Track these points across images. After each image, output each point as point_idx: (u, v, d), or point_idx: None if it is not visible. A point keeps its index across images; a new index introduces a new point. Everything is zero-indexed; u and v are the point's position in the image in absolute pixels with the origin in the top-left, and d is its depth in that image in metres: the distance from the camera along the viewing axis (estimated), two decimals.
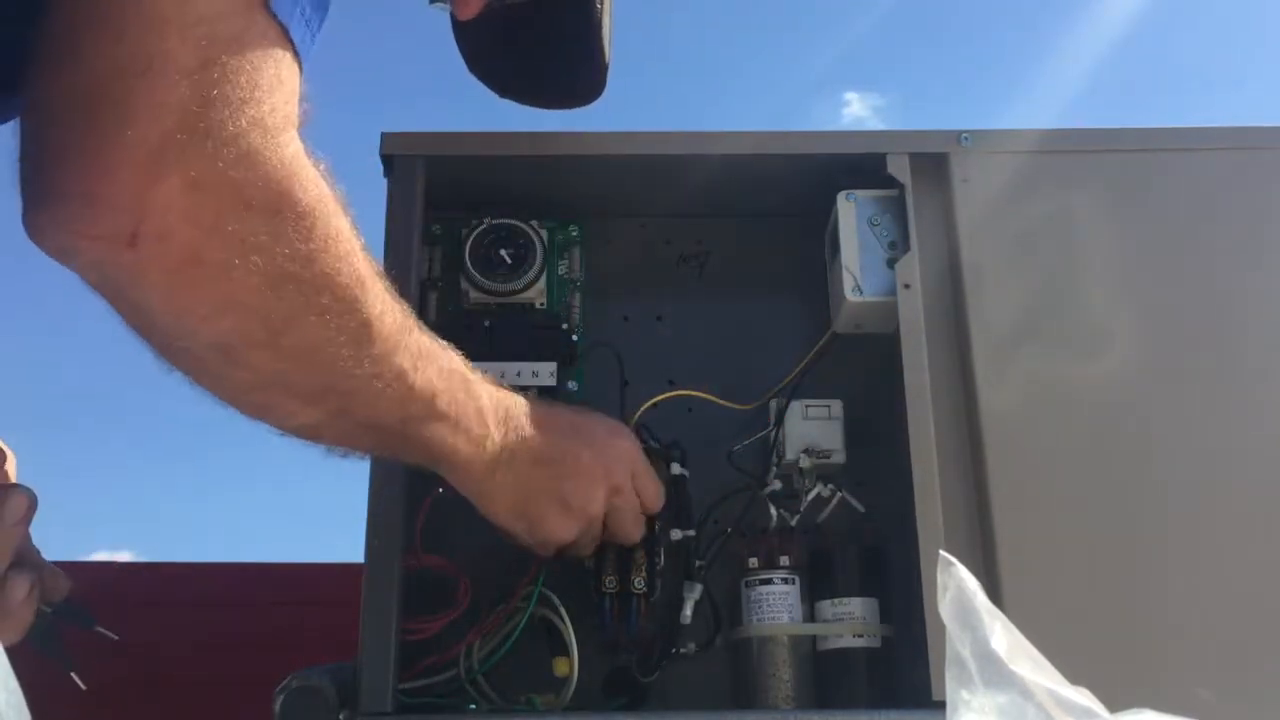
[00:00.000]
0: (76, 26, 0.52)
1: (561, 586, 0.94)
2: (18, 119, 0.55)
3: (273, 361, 0.60)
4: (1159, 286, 1.00)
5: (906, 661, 0.93)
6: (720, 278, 1.13)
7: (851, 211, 1.00)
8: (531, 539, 0.84)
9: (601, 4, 0.90)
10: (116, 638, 0.85)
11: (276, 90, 0.55)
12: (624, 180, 1.08)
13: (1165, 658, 0.89)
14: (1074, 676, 0.51)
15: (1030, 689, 0.47)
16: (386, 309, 0.64)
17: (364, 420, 0.67)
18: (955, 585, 0.50)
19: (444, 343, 0.73)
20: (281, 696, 0.80)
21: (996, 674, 0.48)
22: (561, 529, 0.83)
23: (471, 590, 0.94)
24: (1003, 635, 0.48)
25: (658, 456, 0.96)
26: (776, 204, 1.10)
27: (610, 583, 0.93)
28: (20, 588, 0.75)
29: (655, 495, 0.90)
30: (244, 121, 0.53)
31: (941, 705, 0.63)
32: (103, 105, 0.51)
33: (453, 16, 0.88)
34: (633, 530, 0.89)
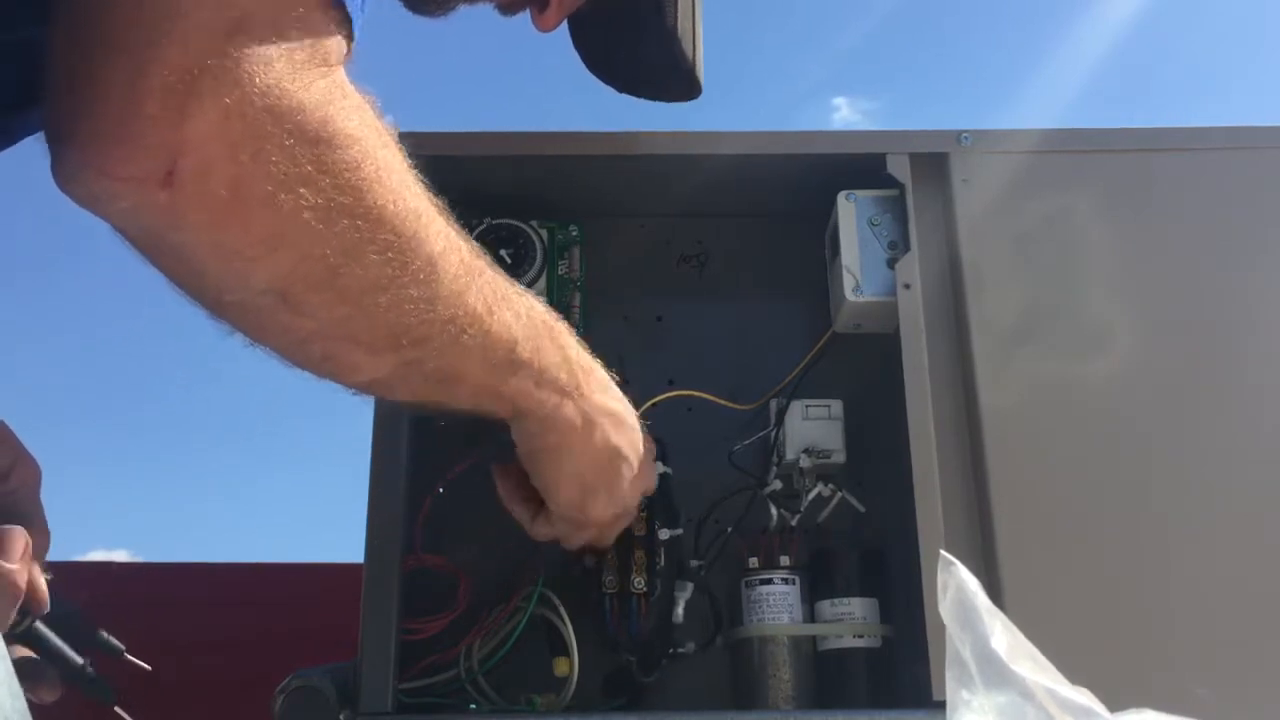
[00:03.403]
0: None
1: (561, 586, 0.94)
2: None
3: (333, 305, 0.56)
4: (1159, 286, 1.00)
5: (906, 661, 0.93)
6: (720, 278, 1.13)
7: (851, 211, 1.00)
8: (574, 514, 0.79)
9: (676, 11, 0.89)
10: (150, 668, 0.79)
11: (312, 20, 0.52)
12: (624, 180, 1.08)
13: (1165, 657, 0.89)
14: (1074, 676, 0.51)
15: (1031, 689, 0.47)
16: (451, 246, 0.60)
17: (438, 371, 0.62)
18: (955, 585, 0.50)
19: (522, 287, 0.68)
20: (281, 696, 0.80)
21: (997, 674, 0.48)
22: (606, 511, 0.79)
23: (471, 590, 0.94)
24: (1003, 635, 0.48)
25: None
26: (776, 204, 1.10)
27: (610, 583, 0.93)
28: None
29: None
30: (278, 50, 0.50)
31: (941, 705, 0.63)
32: (127, 35, 0.48)
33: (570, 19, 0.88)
34: (613, 537, 0.87)
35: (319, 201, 0.52)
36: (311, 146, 0.51)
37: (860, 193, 1.01)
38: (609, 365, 0.79)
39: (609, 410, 0.74)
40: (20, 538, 0.64)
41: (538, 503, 0.82)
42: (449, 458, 0.95)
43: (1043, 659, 0.49)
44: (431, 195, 0.59)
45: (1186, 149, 1.03)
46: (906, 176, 0.99)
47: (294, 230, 0.52)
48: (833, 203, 1.01)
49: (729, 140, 1.04)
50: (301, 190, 0.51)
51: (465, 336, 0.61)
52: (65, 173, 0.50)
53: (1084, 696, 0.49)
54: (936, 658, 0.84)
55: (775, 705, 0.95)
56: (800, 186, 1.06)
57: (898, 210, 1.00)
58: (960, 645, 0.49)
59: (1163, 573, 0.91)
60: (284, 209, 0.51)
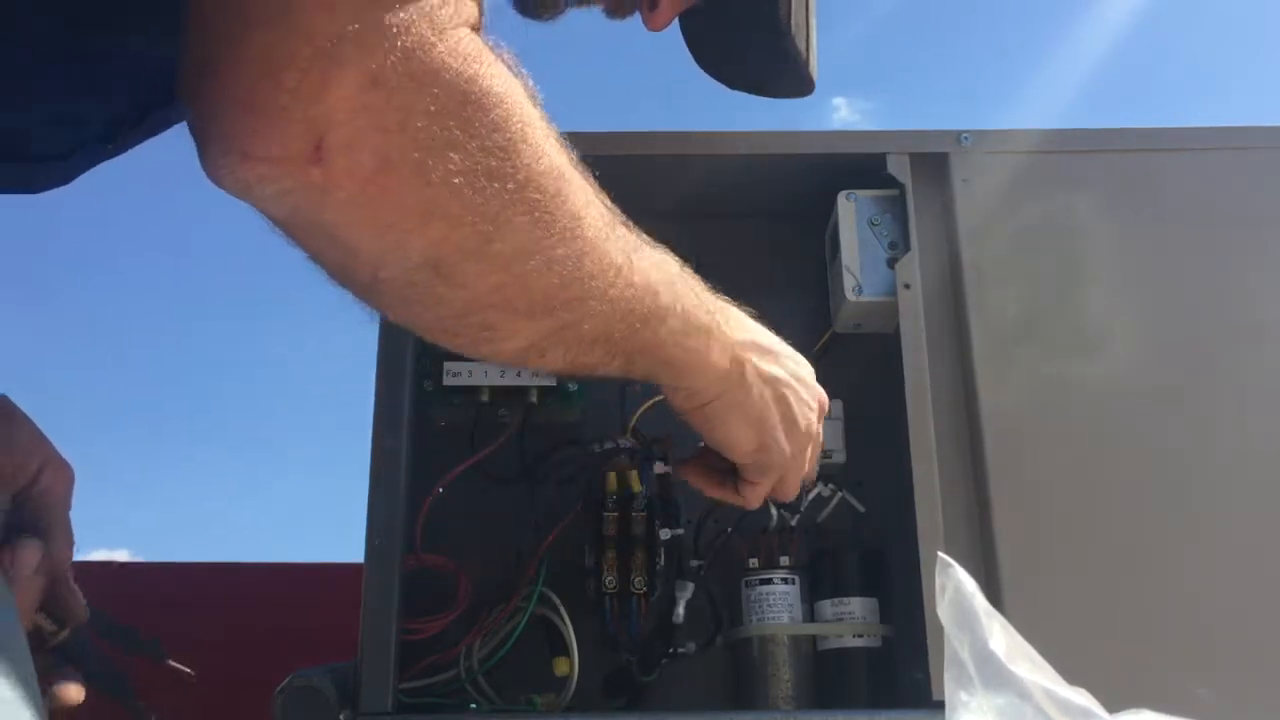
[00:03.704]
0: None
1: (561, 586, 0.94)
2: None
3: (488, 273, 0.54)
4: (1159, 286, 1.00)
5: (906, 661, 0.93)
6: (720, 278, 1.13)
7: (851, 211, 1.00)
8: (763, 459, 0.75)
9: (791, 6, 0.87)
10: (193, 674, 0.78)
11: None
12: (624, 180, 1.08)
13: (1164, 658, 0.89)
14: (1072, 677, 0.51)
15: (1029, 689, 0.47)
16: (591, 200, 0.59)
17: (590, 332, 0.61)
18: (953, 587, 0.50)
19: (645, 235, 0.67)
20: (281, 696, 0.80)
21: (995, 675, 0.48)
22: (791, 443, 0.75)
23: (471, 590, 0.94)
24: (1001, 636, 0.48)
25: (641, 454, 0.97)
26: (776, 204, 1.10)
27: (610, 583, 0.93)
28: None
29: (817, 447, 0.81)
30: (419, 11, 0.48)
31: (941, 705, 0.63)
32: (262, 9, 0.47)
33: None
34: (808, 471, 0.80)
35: (467, 164, 0.51)
36: (458, 109, 0.50)
37: (860, 193, 1.01)
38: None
39: (754, 344, 0.72)
40: (33, 552, 0.63)
41: (730, 473, 0.79)
42: (449, 458, 0.95)
43: (1040, 660, 0.49)
44: (568, 149, 0.58)
45: (1186, 149, 1.03)
46: (906, 176, 1.00)
47: (445, 197, 0.50)
48: (833, 203, 1.01)
49: (729, 140, 1.04)
50: (451, 155, 0.50)
51: (613, 290, 0.60)
52: (213, 163, 0.48)
53: (1082, 697, 0.49)
54: (936, 658, 0.84)
55: (775, 705, 0.95)
56: (800, 186, 1.06)
57: (898, 210, 1.00)
58: (958, 646, 0.49)
59: (1161, 573, 0.91)
60: (434, 176, 0.50)
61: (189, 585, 1.45)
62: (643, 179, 1.08)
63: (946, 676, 0.49)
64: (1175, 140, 1.04)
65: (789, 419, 0.74)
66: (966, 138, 1.01)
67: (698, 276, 0.70)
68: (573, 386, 1.00)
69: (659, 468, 0.98)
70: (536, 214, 0.54)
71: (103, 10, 0.61)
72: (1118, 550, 0.91)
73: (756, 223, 1.13)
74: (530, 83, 0.55)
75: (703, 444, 0.78)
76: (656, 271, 0.64)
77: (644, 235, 0.65)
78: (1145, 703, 0.52)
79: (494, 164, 0.52)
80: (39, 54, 0.61)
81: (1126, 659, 0.88)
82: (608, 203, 0.61)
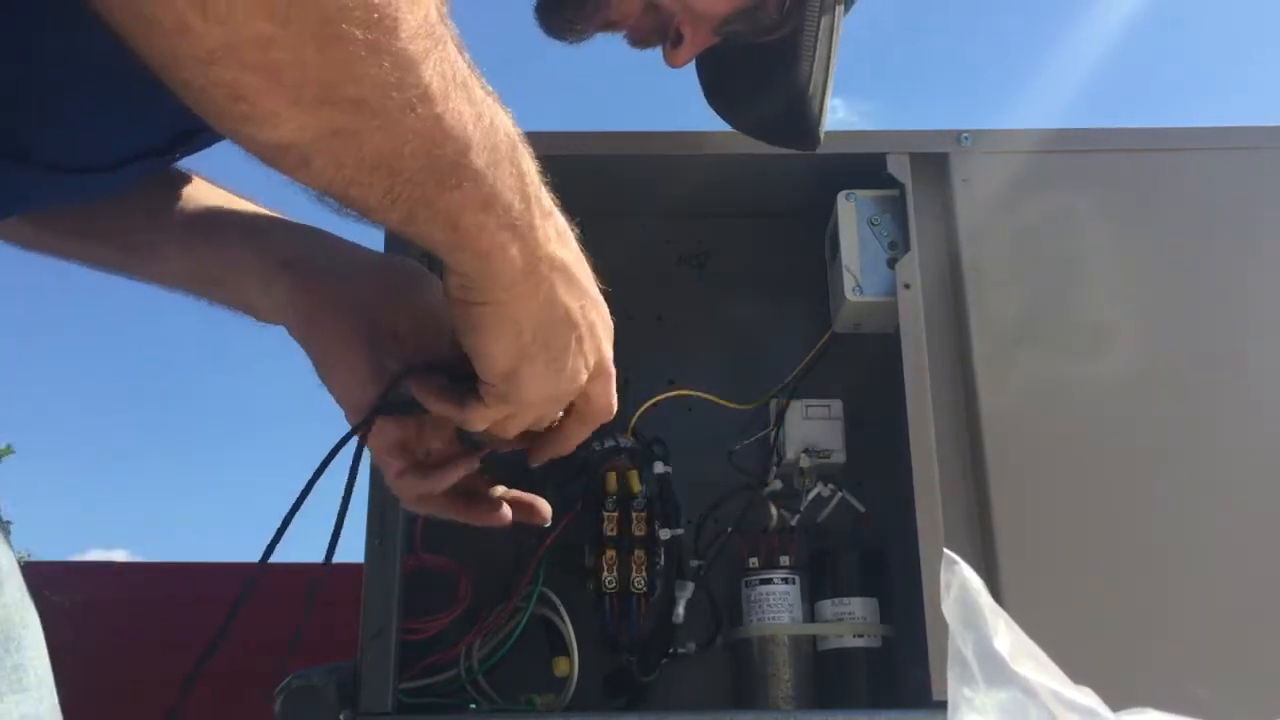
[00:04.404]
0: None
1: (561, 586, 0.94)
2: None
3: (256, 12, 0.42)
4: (1159, 286, 1.00)
5: (906, 661, 0.93)
6: (720, 278, 1.13)
7: (851, 211, 1.00)
8: (504, 387, 0.62)
9: (812, 65, 0.85)
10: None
11: None
12: (624, 180, 1.08)
13: (1167, 656, 0.89)
14: (1072, 676, 0.51)
15: (1033, 688, 0.47)
16: (430, 10, 0.47)
17: (373, 153, 0.49)
18: (959, 584, 0.50)
19: (493, 92, 0.54)
20: (281, 696, 0.80)
21: (999, 673, 0.48)
22: (542, 389, 0.63)
23: (471, 590, 0.94)
24: (1005, 634, 0.48)
25: (641, 454, 0.97)
26: (776, 204, 1.10)
27: (610, 583, 0.93)
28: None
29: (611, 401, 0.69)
30: None
31: (942, 705, 0.63)
32: None
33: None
34: (605, 412, 0.68)
35: None
36: None
37: (860, 193, 1.01)
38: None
39: (561, 263, 0.60)
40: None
41: (464, 383, 0.64)
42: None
43: (1045, 658, 0.49)
44: None
45: (1186, 149, 1.03)
46: (906, 176, 0.99)
47: None
48: (833, 203, 1.01)
49: (729, 140, 1.04)
50: None
51: (412, 116, 0.48)
52: None
53: (1086, 696, 0.49)
54: (936, 658, 0.84)
55: (775, 705, 0.95)
56: (800, 186, 1.06)
57: (898, 210, 1.00)
58: (962, 644, 0.49)
59: (1163, 572, 0.91)
60: None
61: (188, 585, 1.45)
62: (643, 179, 1.08)
63: (950, 674, 0.49)
64: (1175, 140, 1.04)
65: (556, 362, 0.62)
66: (966, 138, 1.01)
67: (536, 165, 0.58)
68: None
69: (659, 468, 0.98)
70: None
71: None
72: (1117, 549, 0.91)
73: (756, 223, 1.13)
74: None
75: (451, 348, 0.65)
76: (477, 126, 0.52)
77: (488, 88, 0.53)
78: (1148, 701, 0.52)
79: None
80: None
81: (1126, 658, 0.88)
82: (443, 15, 0.49)
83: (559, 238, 0.60)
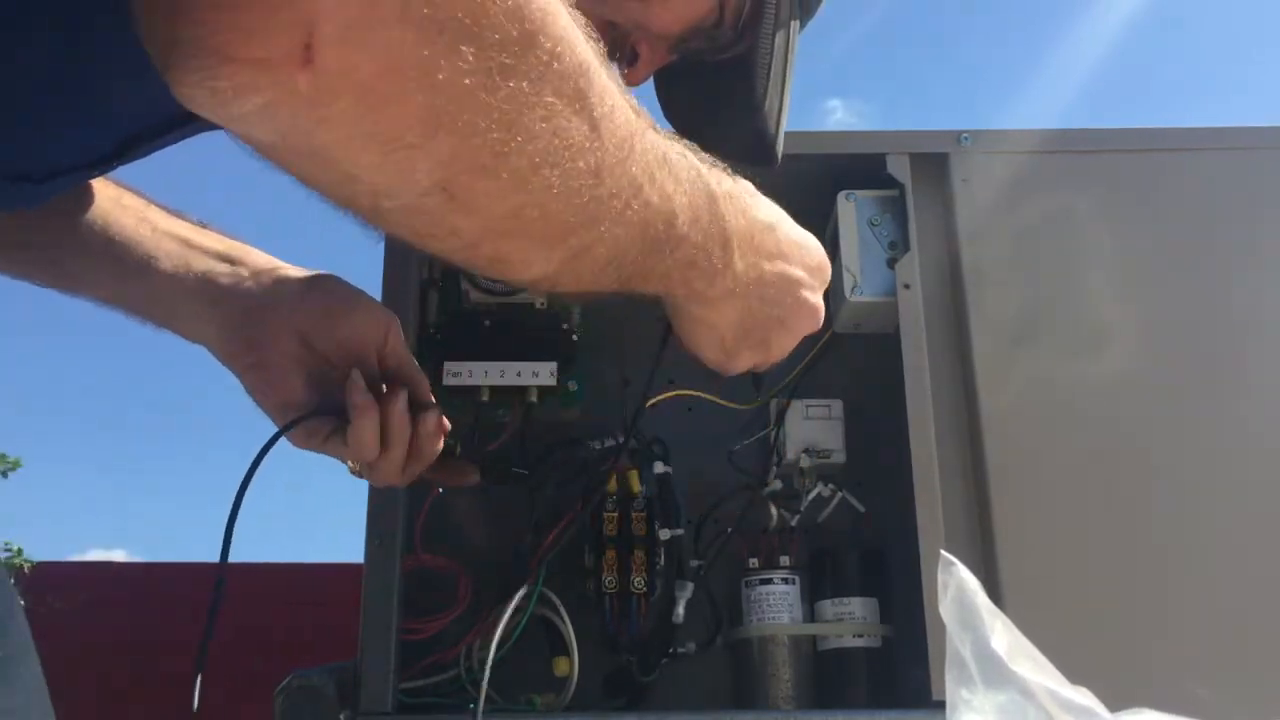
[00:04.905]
0: None
1: (561, 586, 0.94)
2: None
3: (504, 193, 0.47)
4: (1159, 286, 1.00)
5: (906, 661, 0.93)
6: None
7: (851, 211, 1.00)
8: (755, 356, 0.74)
9: (768, 82, 0.85)
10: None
11: None
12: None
13: (1165, 657, 0.89)
14: (1072, 676, 0.51)
15: (1031, 689, 0.47)
16: (616, 104, 0.51)
17: (604, 255, 0.55)
18: (956, 585, 0.50)
19: (675, 136, 0.59)
20: (281, 696, 0.80)
21: (997, 674, 0.48)
22: (750, 363, 0.73)
23: (472, 590, 0.94)
24: (1003, 635, 0.48)
25: (641, 454, 0.97)
26: (776, 204, 1.10)
27: (610, 583, 0.93)
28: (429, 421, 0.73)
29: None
30: None
31: (941, 705, 0.63)
32: None
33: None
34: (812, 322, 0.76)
35: (480, 62, 0.43)
36: None
37: (860, 193, 1.01)
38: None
39: (754, 278, 0.67)
40: (404, 397, 0.72)
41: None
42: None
43: (1043, 659, 0.49)
44: (595, 43, 0.49)
45: (1186, 149, 1.03)
46: (906, 176, 1.00)
47: (454, 103, 0.43)
48: (833, 203, 1.01)
49: None
50: (461, 49, 0.42)
51: (629, 212, 0.54)
52: (181, 69, 0.40)
53: (1084, 696, 0.49)
54: (936, 658, 0.84)
55: (775, 705, 0.95)
56: (800, 186, 1.05)
57: (898, 210, 1.00)
58: (960, 645, 0.49)
59: (1162, 573, 0.91)
60: (441, 76, 0.42)
61: (189, 585, 1.45)
62: None
63: (948, 675, 0.49)
64: (1175, 140, 1.04)
65: (761, 352, 0.73)
66: (966, 138, 1.02)
67: (718, 169, 0.64)
68: (573, 386, 1.01)
69: (659, 468, 0.98)
70: (556, 120, 0.47)
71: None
72: (1117, 550, 0.91)
73: None
74: None
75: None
76: (679, 192, 0.57)
77: (680, 145, 0.59)
78: (1146, 702, 0.52)
79: (508, 60, 0.44)
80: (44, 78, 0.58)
81: (1126, 658, 0.88)
82: (635, 104, 0.53)
83: (767, 255, 0.68)
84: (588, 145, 0.49)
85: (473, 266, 0.54)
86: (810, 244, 0.74)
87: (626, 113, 0.52)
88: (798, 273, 0.72)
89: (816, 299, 0.74)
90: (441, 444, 0.76)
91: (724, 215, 0.63)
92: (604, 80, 0.50)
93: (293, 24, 0.39)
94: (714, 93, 0.86)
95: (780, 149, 0.89)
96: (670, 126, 0.93)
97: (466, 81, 0.43)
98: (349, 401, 0.71)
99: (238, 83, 0.40)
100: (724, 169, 0.64)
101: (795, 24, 0.86)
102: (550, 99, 0.46)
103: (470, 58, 0.42)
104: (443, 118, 0.43)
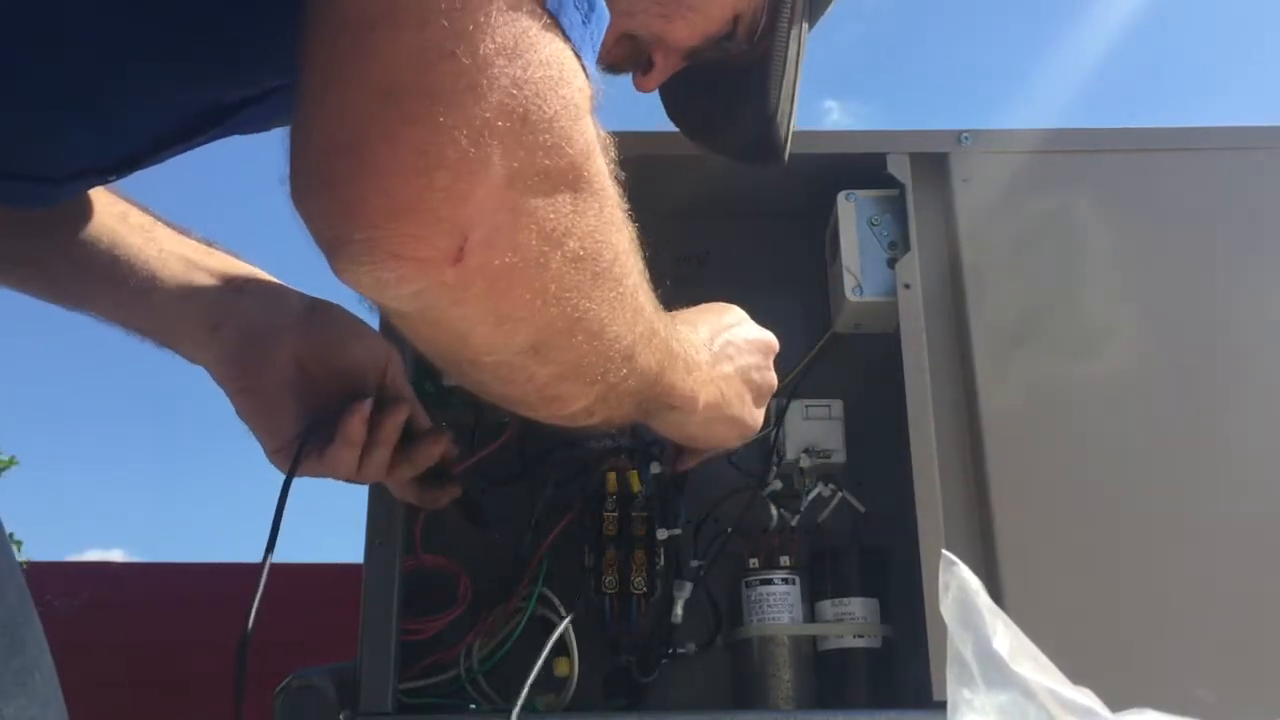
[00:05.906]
0: (360, 19, 0.44)
1: (561, 586, 0.94)
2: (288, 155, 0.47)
3: (575, 348, 0.56)
4: (1158, 286, 1.00)
5: (906, 661, 0.93)
6: (720, 278, 1.13)
7: (851, 211, 1.00)
8: (719, 439, 0.83)
9: (781, 87, 0.87)
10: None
11: (578, 72, 0.49)
12: (624, 180, 1.08)
13: (1166, 657, 0.89)
14: (1072, 676, 0.51)
15: (1032, 689, 0.47)
16: (639, 266, 0.60)
17: (631, 389, 0.63)
18: (957, 585, 0.50)
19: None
20: (281, 696, 0.80)
21: (998, 674, 0.48)
22: (746, 418, 0.81)
23: (471, 590, 0.94)
24: (1004, 635, 0.48)
25: (641, 454, 0.97)
26: (776, 204, 1.10)
27: (610, 583, 0.93)
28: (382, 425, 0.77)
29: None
30: (557, 104, 0.47)
31: (942, 705, 0.63)
32: (407, 102, 0.43)
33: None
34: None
35: (576, 250, 0.51)
36: (573, 199, 0.50)
37: (860, 193, 1.01)
38: None
39: (717, 390, 0.76)
40: (403, 411, 0.77)
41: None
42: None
43: (1044, 659, 0.49)
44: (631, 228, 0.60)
45: (1186, 149, 1.04)
46: (906, 176, 1.00)
47: (557, 283, 0.51)
48: (833, 203, 1.01)
49: None
50: (566, 242, 0.50)
51: (649, 352, 0.63)
52: (351, 262, 0.46)
53: (1085, 696, 0.49)
54: (936, 658, 0.84)
55: (775, 705, 0.94)
56: (800, 186, 1.06)
57: (898, 210, 1.00)
58: (961, 645, 0.49)
59: (1163, 572, 0.91)
60: (552, 264, 0.50)
61: (187, 585, 1.45)
62: (643, 179, 1.07)
63: (949, 675, 0.49)
64: (1175, 140, 1.04)
65: (726, 427, 0.80)
66: (966, 138, 1.02)
67: (682, 318, 0.75)
68: None
69: (658, 468, 0.98)
70: (618, 289, 0.56)
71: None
72: (1118, 550, 0.91)
73: (756, 223, 1.13)
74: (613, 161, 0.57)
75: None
76: (660, 320, 0.66)
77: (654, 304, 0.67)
78: (1148, 702, 0.52)
79: (590, 246, 0.52)
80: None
81: (1127, 658, 0.88)
82: (640, 265, 0.62)
83: (727, 358, 0.78)
84: (630, 302, 0.58)
85: (535, 405, 0.60)
86: (750, 329, 0.84)
87: (642, 271, 0.61)
88: (743, 362, 0.81)
89: (763, 376, 0.83)
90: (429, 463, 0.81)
91: (697, 325, 0.77)
92: (628, 240, 0.59)
93: (452, 231, 0.45)
94: (723, 98, 0.87)
95: (788, 151, 0.90)
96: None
97: (562, 268, 0.51)
98: (341, 429, 0.74)
99: (400, 274, 0.46)
100: (673, 323, 0.72)
101: (805, 25, 0.87)
102: (602, 270, 0.54)
103: (572, 248, 0.51)
104: (546, 296, 0.51)
